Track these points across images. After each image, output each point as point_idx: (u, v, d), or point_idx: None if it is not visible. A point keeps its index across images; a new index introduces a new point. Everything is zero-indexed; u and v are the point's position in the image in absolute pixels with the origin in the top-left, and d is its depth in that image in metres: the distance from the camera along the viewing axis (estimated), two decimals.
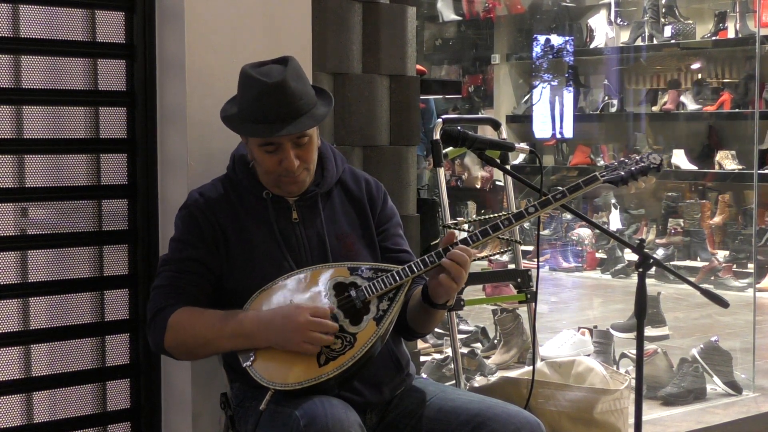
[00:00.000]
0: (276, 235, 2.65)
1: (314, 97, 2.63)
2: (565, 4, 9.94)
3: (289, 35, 3.08)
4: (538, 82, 9.86)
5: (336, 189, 2.76)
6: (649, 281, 2.69)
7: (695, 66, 9.16)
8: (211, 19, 2.93)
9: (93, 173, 2.95)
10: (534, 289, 3.76)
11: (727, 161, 8.65)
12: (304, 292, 2.57)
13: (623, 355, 4.98)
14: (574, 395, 3.22)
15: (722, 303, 2.70)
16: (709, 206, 8.71)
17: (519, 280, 3.86)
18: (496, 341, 5.54)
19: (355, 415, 2.43)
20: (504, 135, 3.99)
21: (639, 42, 9.26)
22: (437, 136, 3.78)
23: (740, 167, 8.55)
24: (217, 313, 2.56)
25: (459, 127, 2.92)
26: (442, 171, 3.83)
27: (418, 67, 3.75)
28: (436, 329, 5.35)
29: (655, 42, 9.15)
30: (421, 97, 3.89)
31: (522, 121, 10.23)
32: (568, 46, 9.92)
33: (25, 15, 2.84)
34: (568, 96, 9.73)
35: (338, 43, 3.36)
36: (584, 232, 9.05)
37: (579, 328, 5.54)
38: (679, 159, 8.88)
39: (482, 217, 3.99)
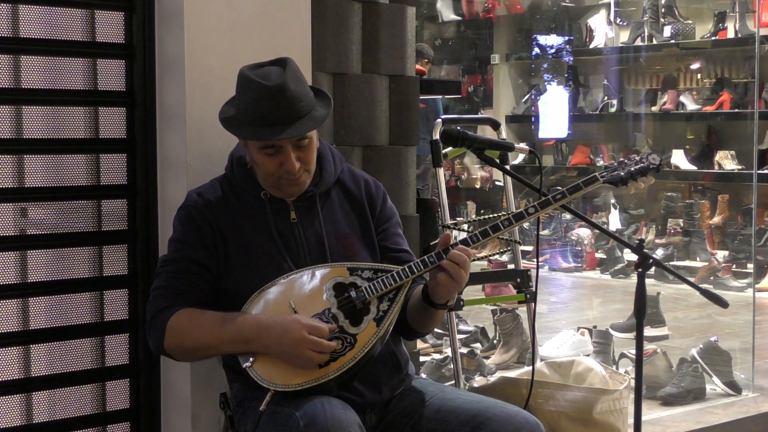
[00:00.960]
0: (274, 236, 2.65)
1: (313, 99, 2.63)
2: (564, 4, 9.94)
3: (288, 35, 3.08)
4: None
5: (335, 189, 2.76)
6: (648, 281, 2.69)
7: (695, 66, 9.16)
8: (210, 19, 2.93)
9: (92, 173, 2.95)
10: (533, 289, 3.76)
11: (726, 161, 8.65)
12: (303, 292, 2.56)
13: (623, 355, 4.99)
14: (573, 395, 3.22)
15: (722, 303, 2.70)
16: (708, 206, 8.72)
17: (518, 280, 3.86)
18: (495, 341, 5.55)
19: (354, 416, 2.43)
20: (503, 135, 3.99)
21: (638, 42, 9.26)
22: (437, 136, 3.78)
23: (740, 167, 8.56)
24: (216, 315, 2.55)
25: (458, 127, 2.91)
26: (441, 171, 3.83)
27: (418, 67, 3.75)
28: (436, 329, 5.35)
29: (654, 42, 9.16)
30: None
31: (521, 121, 10.23)
32: (567, 46, 9.92)
33: (25, 15, 2.84)
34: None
35: (338, 43, 3.36)
36: (584, 232, 9.06)
37: (578, 328, 5.55)
38: (679, 159, 8.89)
39: (482, 218, 3.99)
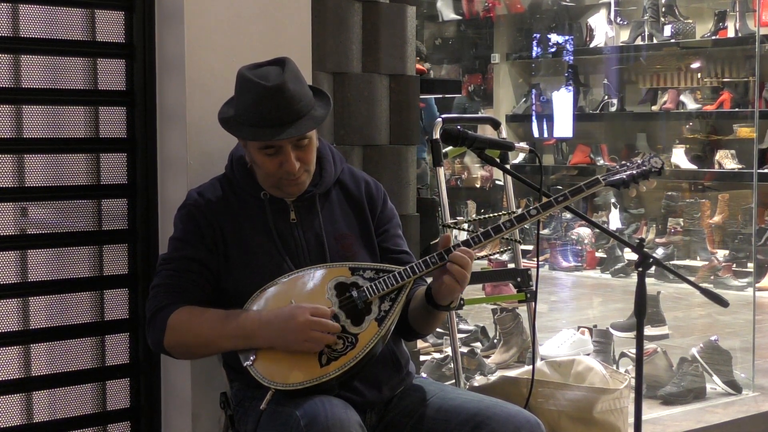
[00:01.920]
0: (273, 236, 2.64)
1: (312, 99, 2.63)
2: (564, 3, 9.94)
3: (288, 35, 3.07)
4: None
5: (334, 189, 2.76)
6: (648, 280, 2.70)
7: (695, 65, 9.16)
8: (210, 18, 2.93)
9: (92, 173, 2.95)
10: (534, 288, 3.76)
11: (726, 160, 8.65)
12: (304, 292, 2.56)
13: (623, 355, 4.98)
14: (573, 394, 3.22)
15: (722, 302, 2.70)
16: (708, 205, 8.72)
17: (519, 279, 3.85)
18: (495, 340, 5.54)
19: (355, 415, 2.43)
20: (504, 134, 3.99)
21: (639, 41, 9.26)
22: (437, 135, 3.78)
23: (740, 166, 8.55)
24: (217, 312, 2.55)
25: (459, 127, 2.91)
26: (441, 170, 3.83)
27: (418, 66, 3.75)
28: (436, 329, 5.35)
29: (654, 41, 9.15)
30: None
31: (522, 120, 10.23)
32: (567, 46, 9.92)
33: (25, 14, 2.84)
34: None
35: (338, 42, 3.36)
36: (584, 232, 9.05)
37: (579, 327, 5.54)
38: (679, 158, 8.89)
39: (482, 217, 3.99)
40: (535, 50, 10.13)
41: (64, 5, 2.89)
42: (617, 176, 2.72)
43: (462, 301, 3.73)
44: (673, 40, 9.04)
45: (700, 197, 8.86)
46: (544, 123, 9.98)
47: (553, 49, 10.00)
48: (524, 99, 10.10)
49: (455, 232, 3.75)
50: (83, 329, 2.94)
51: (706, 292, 2.71)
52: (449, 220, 3.78)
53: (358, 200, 2.77)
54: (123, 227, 2.97)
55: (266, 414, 2.49)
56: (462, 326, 5.74)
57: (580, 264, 8.91)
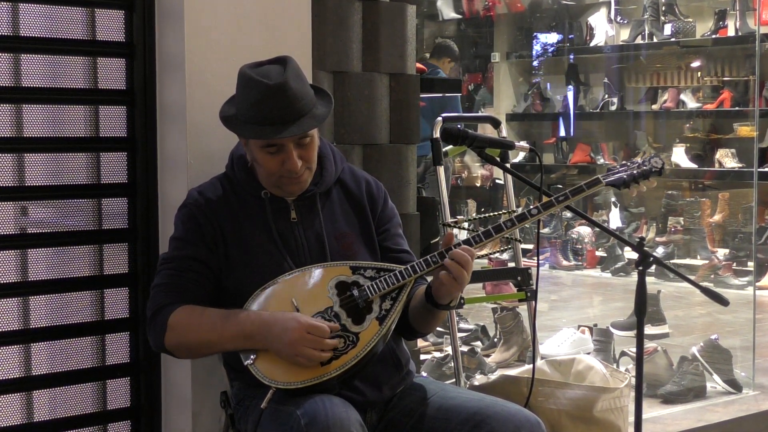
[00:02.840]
0: (274, 235, 2.64)
1: (314, 97, 2.63)
2: (564, 2, 9.94)
3: (288, 34, 3.08)
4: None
5: (335, 188, 2.76)
6: (649, 279, 2.70)
7: (695, 64, 9.16)
8: (210, 17, 2.93)
9: (93, 172, 2.95)
10: (534, 287, 3.76)
11: (727, 159, 8.65)
12: (306, 291, 2.56)
13: (623, 354, 4.98)
14: (574, 393, 3.22)
15: (722, 301, 2.70)
16: (708, 204, 8.71)
17: (519, 278, 3.85)
18: (496, 339, 5.54)
19: (355, 414, 2.43)
20: (504, 133, 3.99)
21: (639, 40, 9.26)
22: (437, 134, 3.78)
23: (740, 165, 8.55)
24: (217, 312, 2.55)
25: (459, 126, 2.91)
26: (441, 170, 3.83)
27: (418, 65, 3.75)
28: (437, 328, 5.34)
29: (655, 40, 9.15)
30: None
31: (522, 119, 10.23)
32: (567, 45, 9.92)
33: (25, 14, 2.84)
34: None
35: (338, 41, 3.36)
36: (584, 231, 9.05)
37: (579, 326, 5.54)
38: (679, 157, 8.88)
39: (482, 216, 3.99)
40: (535, 49, 10.13)
41: (65, 4, 2.89)
42: (617, 176, 2.73)
43: (462, 300, 3.72)
44: (673, 39, 9.04)
45: (700, 196, 8.86)
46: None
47: (552, 48, 10.00)
48: (528, 93, 10.08)
49: (455, 231, 3.75)
50: (83, 328, 2.94)
51: (706, 291, 2.71)
52: (449, 219, 3.77)
53: (359, 199, 2.77)
54: (123, 226, 2.97)
55: (267, 413, 2.49)
56: (462, 325, 5.74)
57: (580, 263, 8.91)
